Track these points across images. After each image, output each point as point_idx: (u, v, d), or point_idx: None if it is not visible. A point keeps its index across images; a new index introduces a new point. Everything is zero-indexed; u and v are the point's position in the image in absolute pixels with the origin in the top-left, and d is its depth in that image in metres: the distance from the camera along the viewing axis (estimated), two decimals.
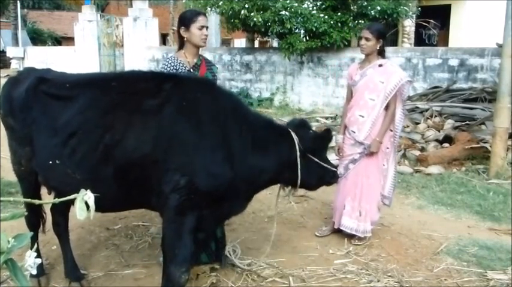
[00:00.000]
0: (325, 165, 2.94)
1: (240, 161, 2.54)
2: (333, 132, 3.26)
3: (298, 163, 2.74)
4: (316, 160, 2.85)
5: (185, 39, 3.10)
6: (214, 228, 3.06)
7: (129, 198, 2.58)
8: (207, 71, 3.24)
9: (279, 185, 2.98)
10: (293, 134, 2.78)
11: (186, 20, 3.07)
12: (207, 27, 3.11)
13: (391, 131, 3.73)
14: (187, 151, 2.43)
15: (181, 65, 3.10)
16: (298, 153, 2.74)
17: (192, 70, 3.13)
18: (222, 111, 2.59)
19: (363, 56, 3.79)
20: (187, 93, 2.56)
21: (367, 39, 3.59)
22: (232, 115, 2.61)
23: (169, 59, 3.12)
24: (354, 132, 3.72)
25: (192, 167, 2.42)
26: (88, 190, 1.11)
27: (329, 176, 3.01)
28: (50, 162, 2.50)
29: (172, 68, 3.07)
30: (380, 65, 3.66)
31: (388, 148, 3.76)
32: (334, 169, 3.03)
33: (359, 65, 3.80)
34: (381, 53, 3.69)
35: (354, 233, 3.77)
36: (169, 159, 2.40)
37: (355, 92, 3.77)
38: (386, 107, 3.64)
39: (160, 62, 13.24)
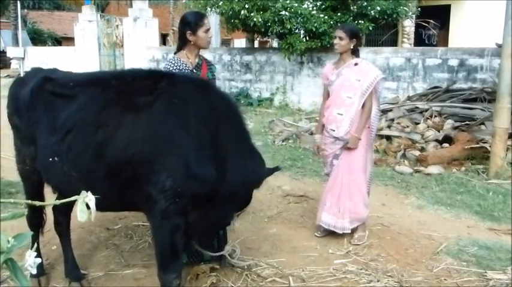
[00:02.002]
0: None
1: (236, 163, 2.51)
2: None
3: None
4: None
5: (191, 42, 3.13)
6: (211, 231, 3.05)
7: (122, 199, 2.54)
8: (208, 71, 3.27)
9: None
10: None
11: (192, 24, 3.10)
12: (209, 29, 3.18)
13: (368, 127, 3.80)
14: (172, 151, 2.40)
15: (184, 65, 3.13)
16: None
17: (194, 70, 3.17)
18: (214, 112, 2.55)
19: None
20: (178, 92, 2.54)
21: (340, 38, 3.66)
22: (225, 116, 2.58)
23: (172, 60, 3.15)
24: (333, 130, 3.76)
25: (175, 167, 2.38)
26: (89, 192, 1.12)
27: None
28: (50, 160, 2.52)
29: (175, 68, 3.10)
30: (356, 64, 3.73)
31: (366, 144, 3.82)
32: None
33: (334, 65, 3.86)
34: (355, 53, 3.77)
35: (332, 229, 3.81)
36: (157, 159, 2.38)
37: (332, 92, 3.83)
38: (363, 105, 3.70)
39: (160, 62, 13.24)
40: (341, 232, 3.81)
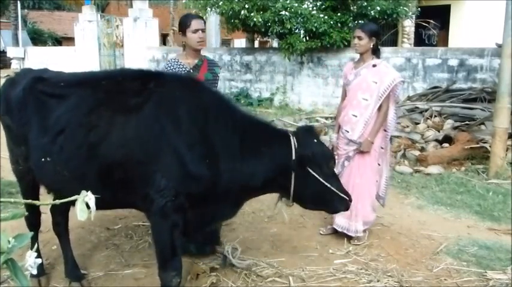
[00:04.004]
0: (331, 186, 2.62)
1: (227, 161, 2.50)
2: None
3: (292, 171, 2.54)
4: (315, 174, 2.57)
5: (184, 42, 3.28)
6: (204, 228, 3.06)
7: (114, 198, 2.53)
8: (208, 71, 3.34)
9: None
10: (292, 138, 2.60)
11: (181, 26, 3.25)
12: (202, 30, 3.24)
13: (385, 131, 3.75)
14: (164, 151, 2.40)
15: (181, 66, 3.24)
16: (293, 160, 2.54)
17: (192, 71, 3.25)
18: (203, 110, 2.54)
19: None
20: (167, 91, 2.54)
21: (359, 38, 3.62)
22: (215, 114, 2.57)
23: (170, 62, 3.28)
24: (348, 131, 3.73)
25: (168, 166, 2.39)
26: (89, 191, 1.12)
27: (336, 202, 2.70)
28: (42, 160, 2.52)
29: (172, 70, 3.22)
30: (374, 65, 3.67)
31: (382, 148, 3.78)
32: (344, 197, 2.70)
33: (354, 65, 3.82)
34: (375, 52, 3.71)
35: (345, 232, 3.79)
36: (150, 159, 2.38)
37: (349, 92, 3.79)
38: (379, 108, 3.65)
39: (160, 62, 13.25)
40: (354, 235, 3.78)
